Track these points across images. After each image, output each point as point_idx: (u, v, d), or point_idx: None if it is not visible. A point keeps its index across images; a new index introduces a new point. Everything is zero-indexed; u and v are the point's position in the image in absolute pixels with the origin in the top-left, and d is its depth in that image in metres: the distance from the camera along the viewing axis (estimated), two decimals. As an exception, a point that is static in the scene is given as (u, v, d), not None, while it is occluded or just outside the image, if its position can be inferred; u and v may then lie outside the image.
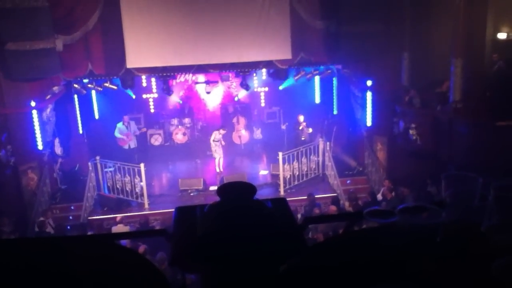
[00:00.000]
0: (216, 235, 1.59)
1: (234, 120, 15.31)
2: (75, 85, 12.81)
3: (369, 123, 12.69)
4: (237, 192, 1.77)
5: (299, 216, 10.28)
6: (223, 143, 13.67)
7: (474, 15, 10.14)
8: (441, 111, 10.91)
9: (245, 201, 1.74)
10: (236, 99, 15.87)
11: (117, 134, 13.83)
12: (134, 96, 14.98)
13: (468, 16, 10.13)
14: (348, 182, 12.79)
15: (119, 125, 13.82)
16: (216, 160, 13.69)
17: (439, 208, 1.43)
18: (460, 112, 10.41)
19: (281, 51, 12.18)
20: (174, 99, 15.54)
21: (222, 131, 13.64)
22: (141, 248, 8.49)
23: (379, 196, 11.14)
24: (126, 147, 13.91)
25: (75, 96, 13.60)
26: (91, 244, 1.80)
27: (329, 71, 13.67)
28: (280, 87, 15.33)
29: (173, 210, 1.94)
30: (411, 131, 11.45)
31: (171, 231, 1.84)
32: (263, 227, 1.64)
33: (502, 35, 11.39)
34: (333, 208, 10.13)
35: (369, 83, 12.24)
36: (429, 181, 10.57)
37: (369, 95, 12.43)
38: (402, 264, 1.29)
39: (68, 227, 10.93)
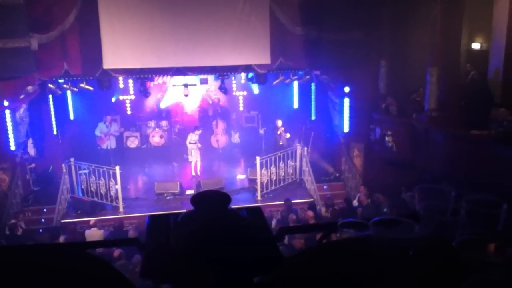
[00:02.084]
0: (190, 246, 1.56)
1: (214, 123, 15.25)
2: (50, 85, 12.54)
3: (346, 129, 12.80)
4: (211, 202, 1.74)
5: (274, 221, 10.29)
6: (199, 145, 13.55)
7: (450, 25, 10.37)
8: (416, 119, 11.08)
9: (219, 211, 1.71)
10: (210, 101, 15.84)
11: (97, 132, 13.86)
12: (114, 100, 14.89)
13: (444, 26, 10.34)
14: (325, 187, 12.86)
15: (101, 124, 13.88)
16: (192, 164, 13.58)
17: (412, 221, 1.43)
18: (435, 120, 10.59)
19: (260, 56, 12.20)
20: (153, 101, 15.41)
21: (197, 132, 13.52)
22: (116, 252, 8.36)
23: (355, 202, 11.23)
24: (105, 146, 13.85)
25: (50, 96, 13.34)
26: (60, 254, 1.74)
27: (307, 76, 13.75)
28: (255, 91, 15.41)
29: (148, 214, 1.90)
30: (387, 138, 11.59)
31: (143, 239, 1.80)
32: (237, 238, 1.62)
33: (476, 46, 11.68)
34: (310, 213, 10.15)
35: (347, 89, 12.35)
36: (404, 188, 10.71)
37: (346, 101, 12.54)
38: (375, 278, 1.29)
39: (40, 230, 10.69)
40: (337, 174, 13.38)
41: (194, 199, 1.75)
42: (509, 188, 8.27)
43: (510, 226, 1.43)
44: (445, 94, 10.62)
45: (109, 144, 13.89)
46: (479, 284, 1.05)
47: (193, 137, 13.44)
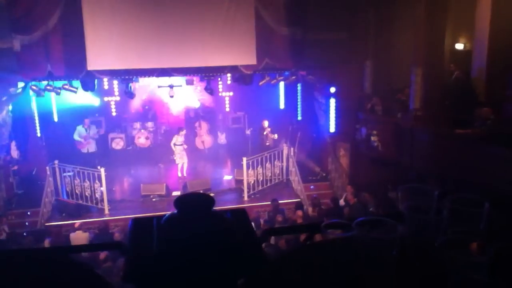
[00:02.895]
0: (173, 250, 1.54)
1: (196, 124, 15.20)
2: (34, 87, 12.38)
3: (332, 129, 12.85)
4: (195, 204, 1.72)
5: (262, 221, 10.29)
6: (185, 146, 13.48)
7: (434, 26, 10.47)
8: (402, 119, 11.16)
9: (203, 213, 1.69)
10: (197, 106, 15.78)
11: (76, 136, 13.49)
12: (97, 103, 14.76)
13: (428, 27, 10.44)
14: (311, 187, 12.90)
15: (79, 127, 13.53)
16: (179, 166, 13.51)
17: (396, 221, 1.43)
18: (420, 119, 10.69)
19: (246, 56, 12.18)
20: (138, 102, 15.29)
21: (182, 133, 13.42)
22: (102, 255, 8.30)
23: (342, 202, 11.28)
24: (85, 150, 13.58)
25: (33, 98, 13.17)
26: (42, 259, 1.71)
27: (293, 77, 13.77)
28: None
29: (134, 216, 1.88)
30: (373, 138, 11.66)
31: (126, 243, 1.78)
32: (221, 240, 1.61)
33: (459, 46, 11.81)
34: (299, 213, 10.19)
35: (332, 90, 12.41)
36: (390, 187, 10.79)
37: (332, 101, 12.60)
38: (358, 279, 1.28)
39: (25, 234, 10.53)
40: (324, 174, 13.43)
41: (178, 201, 1.73)
42: (492, 185, 8.38)
43: (492, 224, 1.44)
44: (430, 93, 10.72)
45: (89, 147, 13.62)
46: (461, 284, 1.05)
47: (178, 138, 13.35)
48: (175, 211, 1.72)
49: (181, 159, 13.39)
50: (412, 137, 10.68)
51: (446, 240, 1.27)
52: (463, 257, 1.20)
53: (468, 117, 9.66)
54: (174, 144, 13.32)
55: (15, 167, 12.45)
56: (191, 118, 15.47)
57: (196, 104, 15.74)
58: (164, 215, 1.74)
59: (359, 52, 12.13)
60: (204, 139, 15.07)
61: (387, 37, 11.83)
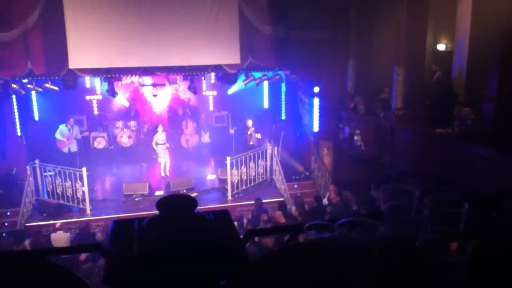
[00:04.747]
0: (154, 252, 1.53)
1: (183, 123, 15.11)
2: (13, 85, 12.17)
3: (315, 128, 12.92)
4: (177, 206, 1.71)
5: (245, 220, 10.29)
6: (167, 145, 13.35)
7: (415, 26, 10.59)
8: (384, 118, 11.28)
9: (185, 215, 1.68)
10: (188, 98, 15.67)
11: (57, 135, 13.24)
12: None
13: (410, 27, 10.56)
14: (295, 186, 12.95)
15: (62, 126, 13.27)
16: (162, 165, 13.41)
17: (377, 221, 1.44)
18: (401, 119, 10.81)
19: (229, 56, 12.17)
20: (121, 101, 15.15)
21: (159, 129, 13.17)
22: (83, 255, 8.20)
23: (325, 201, 11.34)
24: (65, 150, 13.33)
25: (13, 96, 12.95)
26: (20, 262, 1.68)
27: (277, 76, 13.81)
28: (229, 91, 15.32)
29: (116, 216, 1.85)
30: (355, 137, 11.75)
31: (107, 245, 1.76)
32: (203, 241, 1.60)
33: (441, 47, 11.97)
34: (278, 213, 10.16)
35: (316, 89, 12.46)
36: (372, 185, 10.89)
37: (316, 101, 12.66)
38: (339, 280, 1.29)
39: (4, 234, 10.35)
40: (307, 173, 13.49)
41: (160, 203, 1.72)
42: (471, 183, 8.52)
43: (471, 224, 1.46)
44: (411, 93, 10.85)
45: (71, 147, 13.35)
46: (441, 284, 1.06)
47: (159, 137, 13.21)
48: (157, 213, 1.71)
49: (164, 158, 13.28)
50: (393, 136, 10.80)
51: (427, 240, 1.28)
52: (443, 257, 1.21)
53: (448, 116, 9.81)
54: (156, 143, 13.18)
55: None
56: (178, 117, 15.34)
57: (187, 97, 15.51)
58: (146, 217, 1.73)
59: (342, 52, 12.22)
60: (189, 138, 14.99)
61: (369, 37, 11.95)
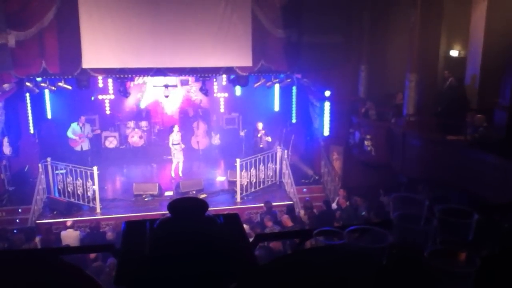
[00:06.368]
0: (165, 254, 1.56)
1: (194, 125, 15.17)
2: (28, 83, 12.31)
3: (326, 132, 12.89)
4: (188, 208, 1.74)
5: (249, 226, 10.26)
6: (182, 146, 13.42)
7: (429, 32, 10.55)
8: (395, 124, 11.23)
9: (196, 218, 1.71)
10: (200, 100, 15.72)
11: (69, 134, 13.34)
12: (93, 98, 14.73)
13: (423, 33, 10.52)
14: (304, 190, 12.92)
15: (74, 125, 13.34)
16: (174, 165, 13.47)
17: (386, 229, 1.45)
18: (412, 125, 10.76)
19: (241, 58, 12.19)
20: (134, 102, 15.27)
21: (176, 130, 13.22)
22: (93, 254, 8.26)
23: (334, 205, 11.32)
24: (78, 148, 13.41)
25: (27, 94, 13.11)
26: (31, 260, 1.72)
27: (289, 79, 13.81)
28: (237, 93, 15.37)
29: (126, 215, 1.88)
30: (366, 142, 11.72)
31: (118, 246, 1.79)
32: (213, 244, 1.62)
33: (454, 53, 11.90)
34: (285, 217, 10.16)
35: (327, 93, 12.44)
36: (382, 191, 10.85)
37: (327, 105, 12.64)
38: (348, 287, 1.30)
39: (15, 231, 10.47)
40: (317, 177, 13.46)
41: (171, 205, 1.74)
42: (482, 191, 8.46)
43: (480, 235, 1.46)
44: (423, 99, 10.80)
45: (83, 145, 13.39)
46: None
47: (174, 137, 13.30)
48: (169, 215, 1.74)
49: (178, 158, 13.33)
50: (404, 142, 10.75)
51: (435, 249, 1.29)
52: (451, 268, 1.22)
53: (460, 123, 9.75)
54: (172, 144, 13.26)
55: (4, 162, 12.34)
56: (189, 118, 15.41)
57: (198, 98, 15.56)
58: (158, 218, 1.75)
59: (354, 56, 12.21)
60: (200, 140, 15.03)
61: (382, 42, 11.91)
